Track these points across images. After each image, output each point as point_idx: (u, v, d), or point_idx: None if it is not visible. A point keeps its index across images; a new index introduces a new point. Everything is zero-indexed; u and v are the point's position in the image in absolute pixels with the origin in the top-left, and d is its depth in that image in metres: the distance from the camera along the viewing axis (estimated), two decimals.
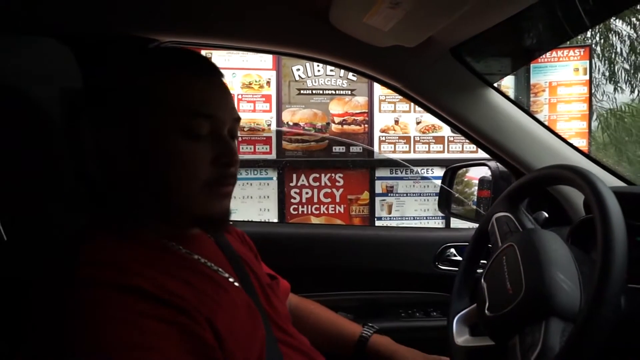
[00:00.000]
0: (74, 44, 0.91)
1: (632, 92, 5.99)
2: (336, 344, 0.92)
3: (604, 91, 6.09)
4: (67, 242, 0.58)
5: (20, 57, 0.95)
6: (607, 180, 1.00)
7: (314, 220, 3.51)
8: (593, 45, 5.30)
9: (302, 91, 3.50)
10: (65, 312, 0.50)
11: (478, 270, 0.84)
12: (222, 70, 0.66)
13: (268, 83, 3.45)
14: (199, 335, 0.53)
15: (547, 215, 0.86)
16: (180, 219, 0.63)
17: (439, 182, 1.45)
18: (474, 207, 1.34)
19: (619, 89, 6.03)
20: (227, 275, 0.66)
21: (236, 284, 0.66)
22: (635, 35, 5.92)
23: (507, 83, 3.84)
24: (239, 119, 0.67)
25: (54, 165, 0.71)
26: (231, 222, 1.07)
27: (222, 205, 0.63)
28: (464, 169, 1.42)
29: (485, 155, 1.13)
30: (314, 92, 3.52)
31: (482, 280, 0.73)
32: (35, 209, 0.71)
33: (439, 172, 3.52)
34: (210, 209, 0.62)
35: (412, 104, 3.47)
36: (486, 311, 0.69)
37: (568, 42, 4.02)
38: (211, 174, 0.61)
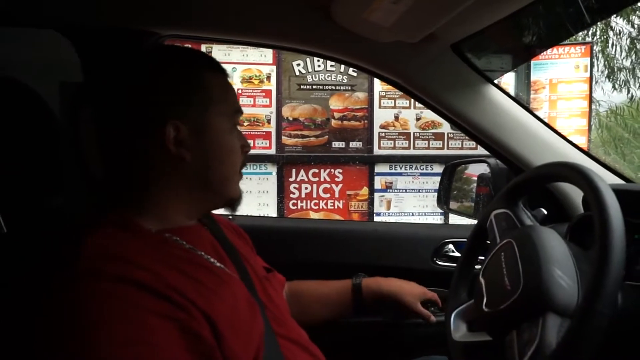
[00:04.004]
0: (75, 37, 0.91)
1: (628, 92, 5.99)
2: (335, 304, 0.97)
3: (602, 89, 6.09)
4: (68, 235, 0.58)
5: (21, 49, 0.94)
6: (606, 178, 1.00)
7: (313, 215, 3.52)
8: (593, 45, 5.29)
9: (302, 86, 3.50)
10: (65, 305, 0.50)
11: (476, 267, 0.85)
12: (221, 63, 0.72)
13: (268, 78, 3.44)
14: (197, 332, 0.53)
15: (545, 212, 0.86)
16: (220, 202, 0.72)
17: (438, 178, 1.46)
18: (473, 203, 1.35)
19: (617, 88, 6.03)
20: (225, 267, 0.66)
21: (235, 276, 0.67)
22: (635, 33, 5.91)
23: (508, 80, 3.83)
24: None
25: (55, 157, 0.71)
26: (230, 217, 1.07)
27: (240, 187, 0.74)
28: (464, 165, 1.42)
29: (485, 152, 1.13)
30: (314, 87, 3.51)
31: (480, 277, 0.74)
32: (36, 201, 0.71)
33: (439, 168, 3.53)
34: (238, 191, 0.73)
35: (413, 100, 3.46)
36: (484, 307, 0.69)
37: (569, 39, 4.01)
38: (240, 161, 0.71)
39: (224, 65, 0.71)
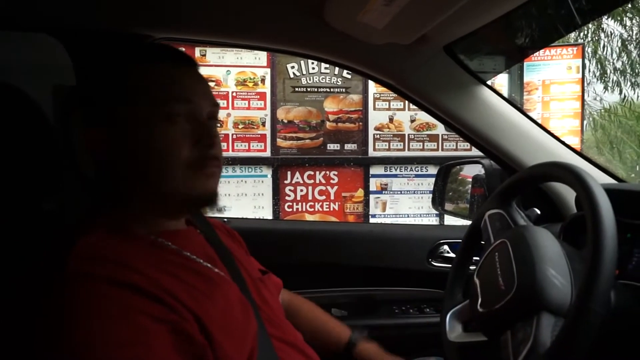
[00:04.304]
0: (68, 40, 0.90)
1: (620, 92, 6.03)
2: (325, 344, 0.91)
3: (594, 90, 6.13)
4: (61, 237, 0.58)
5: (14, 53, 0.94)
6: (599, 178, 1.01)
7: (309, 217, 3.51)
8: (585, 46, 5.32)
9: (296, 89, 3.50)
10: (58, 306, 0.50)
11: (471, 267, 0.85)
12: (215, 66, 0.69)
13: (262, 80, 3.44)
14: (189, 334, 0.54)
15: (539, 212, 0.87)
16: (170, 203, 0.64)
17: (433, 179, 1.46)
18: (468, 204, 1.35)
19: (609, 89, 6.06)
20: (217, 270, 0.66)
21: (227, 278, 0.67)
22: (626, 35, 5.96)
23: (501, 81, 3.85)
24: (218, 104, 0.69)
25: (47, 161, 0.70)
26: (226, 220, 1.06)
27: (208, 186, 0.65)
28: (458, 166, 1.42)
29: (480, 153, 1.14)
30: (308, 89, 3.51)
31: (475, 277, 0.74)
32: (31, 204, 0.71)
33: (433, 170, 3.53)
34: (195, 190, 0.63)
35: (407, 102, 3.47)
36: (479, 307, 0.69)
37: (561, 41, 4.04)
38: (192, 156, 0.62)
39: (218, 68, 0.71)
